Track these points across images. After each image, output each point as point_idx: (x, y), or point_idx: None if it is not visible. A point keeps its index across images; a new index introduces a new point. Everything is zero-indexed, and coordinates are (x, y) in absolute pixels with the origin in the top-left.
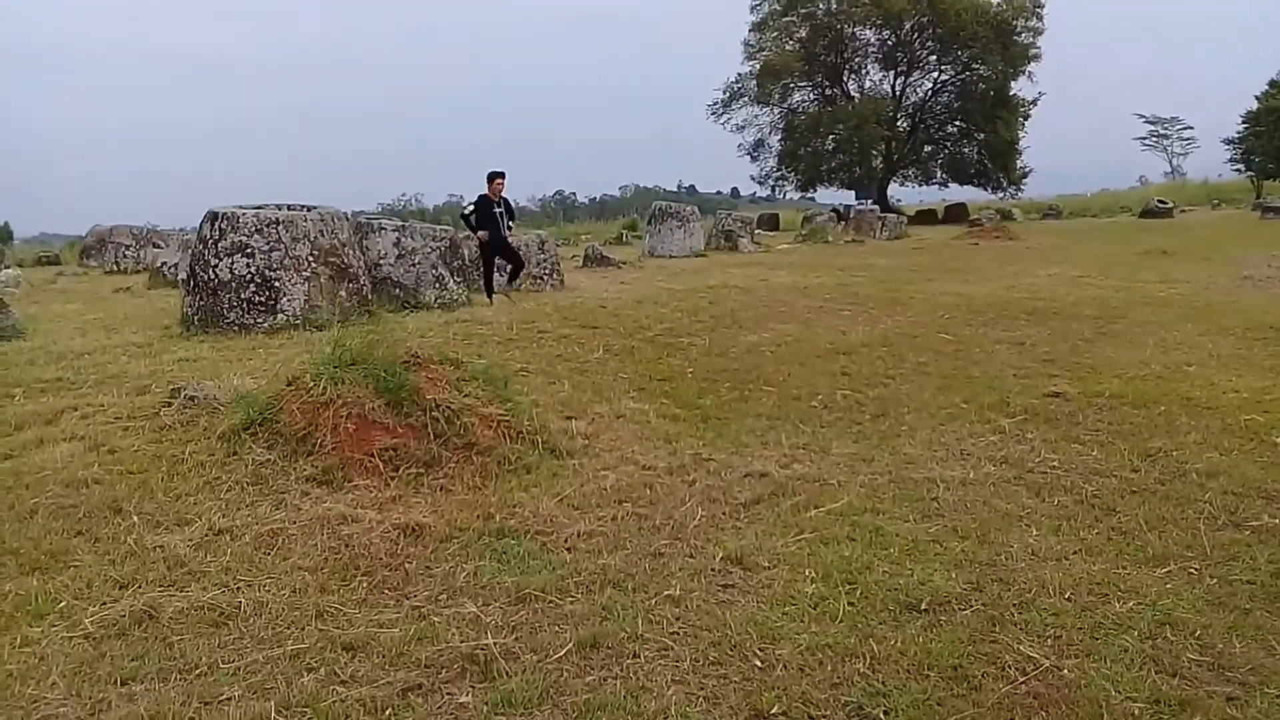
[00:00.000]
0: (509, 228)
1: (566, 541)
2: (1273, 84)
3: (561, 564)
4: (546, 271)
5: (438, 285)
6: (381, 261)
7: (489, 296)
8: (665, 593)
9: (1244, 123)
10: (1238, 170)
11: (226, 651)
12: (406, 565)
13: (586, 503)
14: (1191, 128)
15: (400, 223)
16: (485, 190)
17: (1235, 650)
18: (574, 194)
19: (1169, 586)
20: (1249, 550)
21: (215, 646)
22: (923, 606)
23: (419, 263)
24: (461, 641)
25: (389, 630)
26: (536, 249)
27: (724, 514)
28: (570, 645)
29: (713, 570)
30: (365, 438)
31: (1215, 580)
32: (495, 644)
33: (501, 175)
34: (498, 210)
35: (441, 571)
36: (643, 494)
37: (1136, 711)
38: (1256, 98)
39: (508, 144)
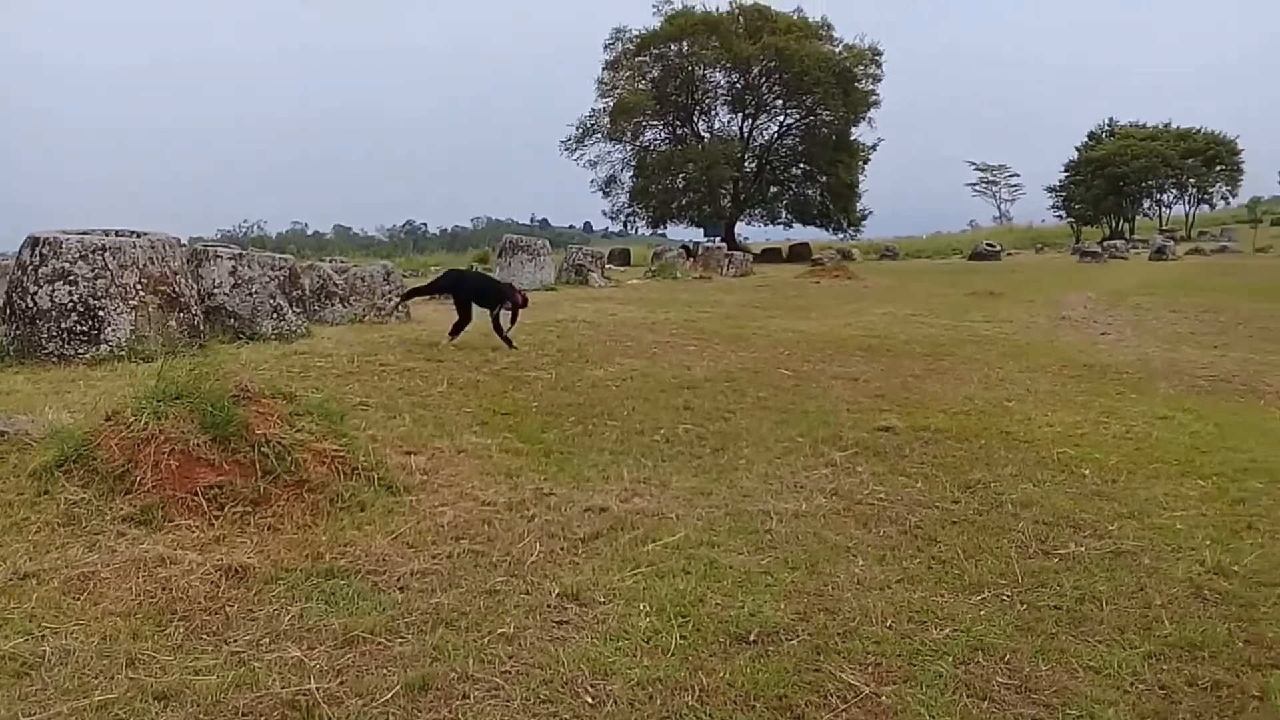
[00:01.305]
0: None
1: (399, 580)
2: (1091, 136)
3: (393, 604)
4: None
5: (275, 316)
6: (216, 290)
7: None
8: (499, 631)
9: (1065, 172)
10: (1059, 216)
11: (28, 704)
12: (228, 608)
13: (422, 540)
14: (1018, 175)
15: (238, 250)
16: None
17: (1041, 673)
18: (425, 224)
19: (983, 613)
20: (1057, 577)
21: (15, 699)
22: (752, 638)
23: (256, 292)
24: (283, 687)
25: (205, 677)
26: (382, 280)
27: (562, 549)
28: (398, 688)
29: (548, 607)
30: (189, 475)
31: (1025, 606)
32: (318, 689)
33: None
34: None
35: (265, 614)
36: (480, 530)
37: None
38: (1077, 149)
39: (356, 172)
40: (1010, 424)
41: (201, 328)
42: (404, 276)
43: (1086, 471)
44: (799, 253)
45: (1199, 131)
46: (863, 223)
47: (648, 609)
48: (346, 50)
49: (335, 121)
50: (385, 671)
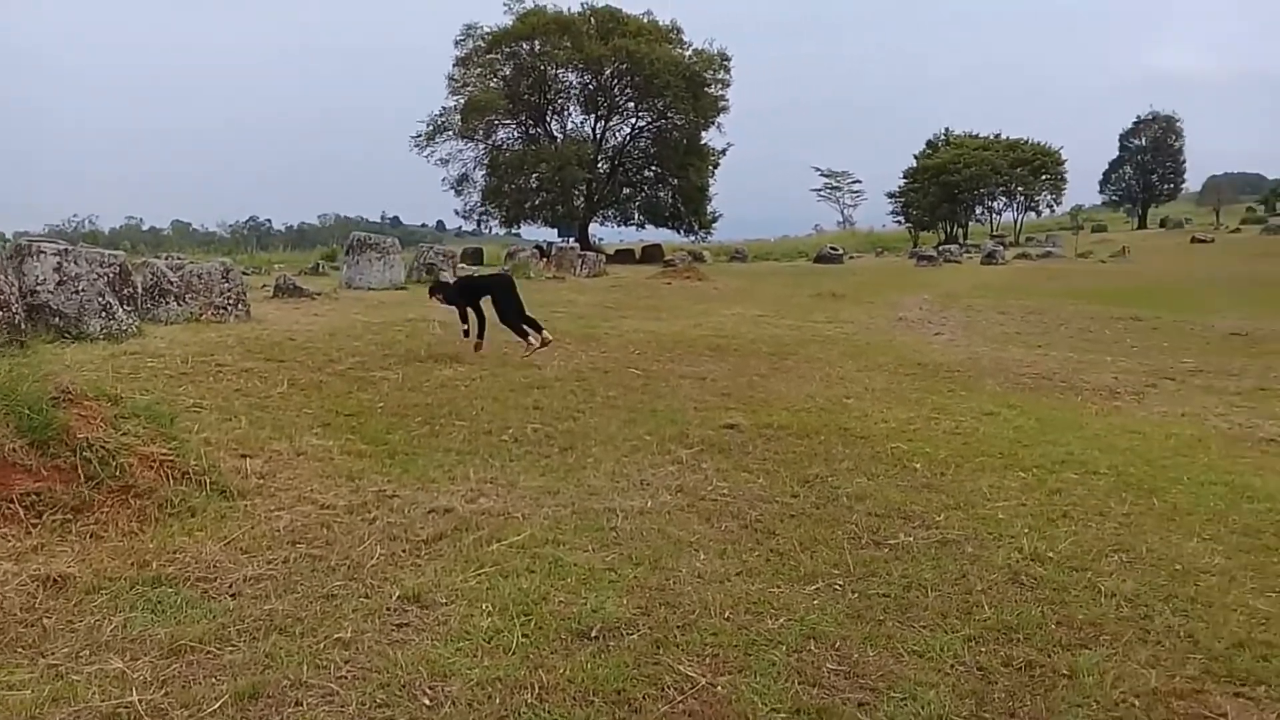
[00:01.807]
0: None
1: (231, 587)
2: (929, 144)
3: (224, 611)
4: (231, 302)
5: (104, 315)
6: (39, 288)
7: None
8: (336, 636)
9: (904, 179)
10: (898, 221)
11: None
12: (45, 620)
13: (256, 545)
14: (860, 181)
15: (65, 246)
16: None
17: (869, 659)
18: (269, 221)
19: (816, 603)
20: (886, 566)
21: None
22: (593, 634)
23: (83, 290)
24: (103, 700)
25: (19, 692)
26: (220, 278)
27: (404, 551)
28: (226, 697)
29: (388, 610)
30: (3, 482)
31: (856, 595)
32: (141, 700)
33: None
34: None
35: (85, 625)
36: (319, 534)
37: None
38: (915, 157)
39: (198, 166)
40: (848, 421)
41: (22, 327)
42: (244, 274)
43: (918, 465)
44: (652, 254)
45: (1027, 142)
46: (713, 225)
47: (490, 609)
48: (187, 44)
49: (175, 115)
50: (213, 681)
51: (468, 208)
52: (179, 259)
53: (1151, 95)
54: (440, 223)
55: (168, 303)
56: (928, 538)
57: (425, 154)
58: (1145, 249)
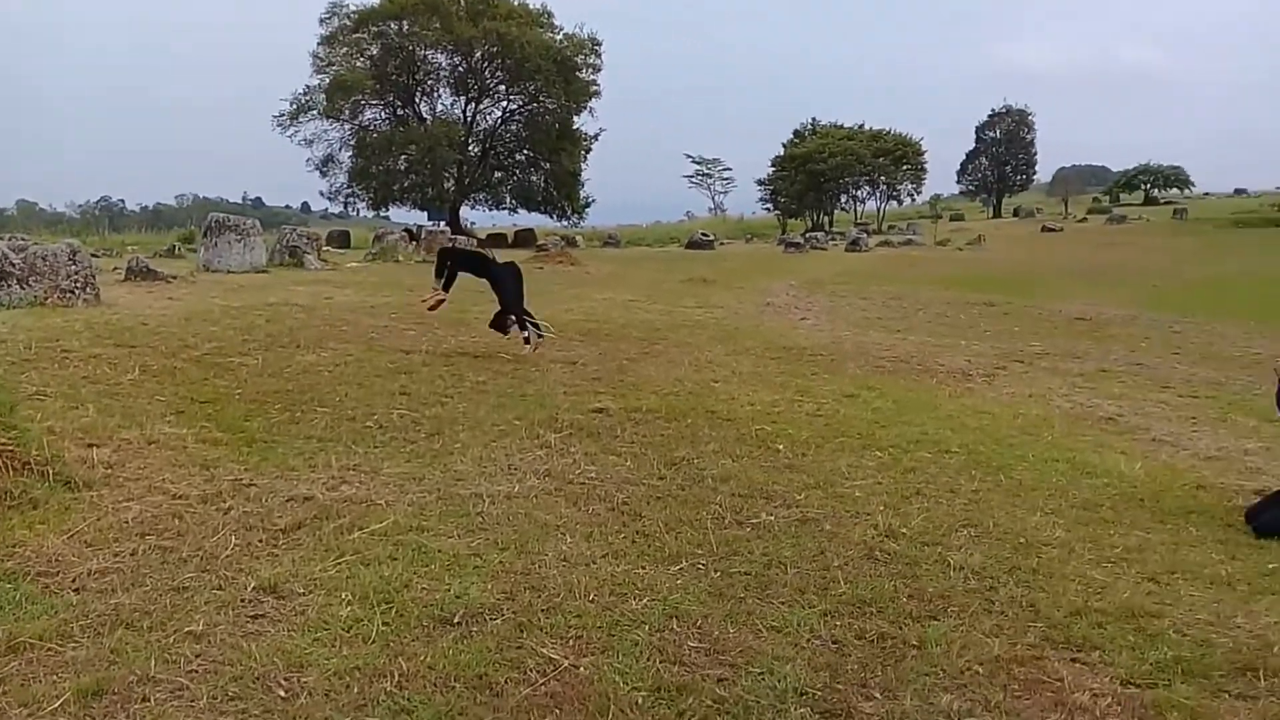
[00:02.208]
0: None
1: (75, 581)
2: (796, 134)
3: (66, 606)
4: (78, 285)
5: None
6: None
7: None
8: (186, 629)
9: (772, 167)
10: (767, 208)
11: None
12: None
13: (103, 538)
14: (731, 169)
15: None
16: None
17: (729, 635)
18: (122, 201)
19: (679, 582)
20: (748, 545)
21: None
22: (456, 619)
23: None
24: None
25: None
26: (66, 260)
27: (261, 541)
28: (68, 695)
29: (243, 601)
30: None
31: (719, 574)
32: None
33: None
34: None
35: None
36: (170, 525)
37: (640, 700)
38: (783, 145)
39: (45, 145)
40: (715, 403)
41: None
42: (94, 256)
43: (781, 446)
44: (525, 238)
45: (889, 133)
46: (586, 210)
47: (350, 598)
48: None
49: (14, 91)
50: (55, 678)
51: (333, 189)
52: (23, 240)
53: (1006, 90)
54: (305, 204)
55: (9, 286)
56: (788, 516)
57: (288, 134)
58: (999, 237)
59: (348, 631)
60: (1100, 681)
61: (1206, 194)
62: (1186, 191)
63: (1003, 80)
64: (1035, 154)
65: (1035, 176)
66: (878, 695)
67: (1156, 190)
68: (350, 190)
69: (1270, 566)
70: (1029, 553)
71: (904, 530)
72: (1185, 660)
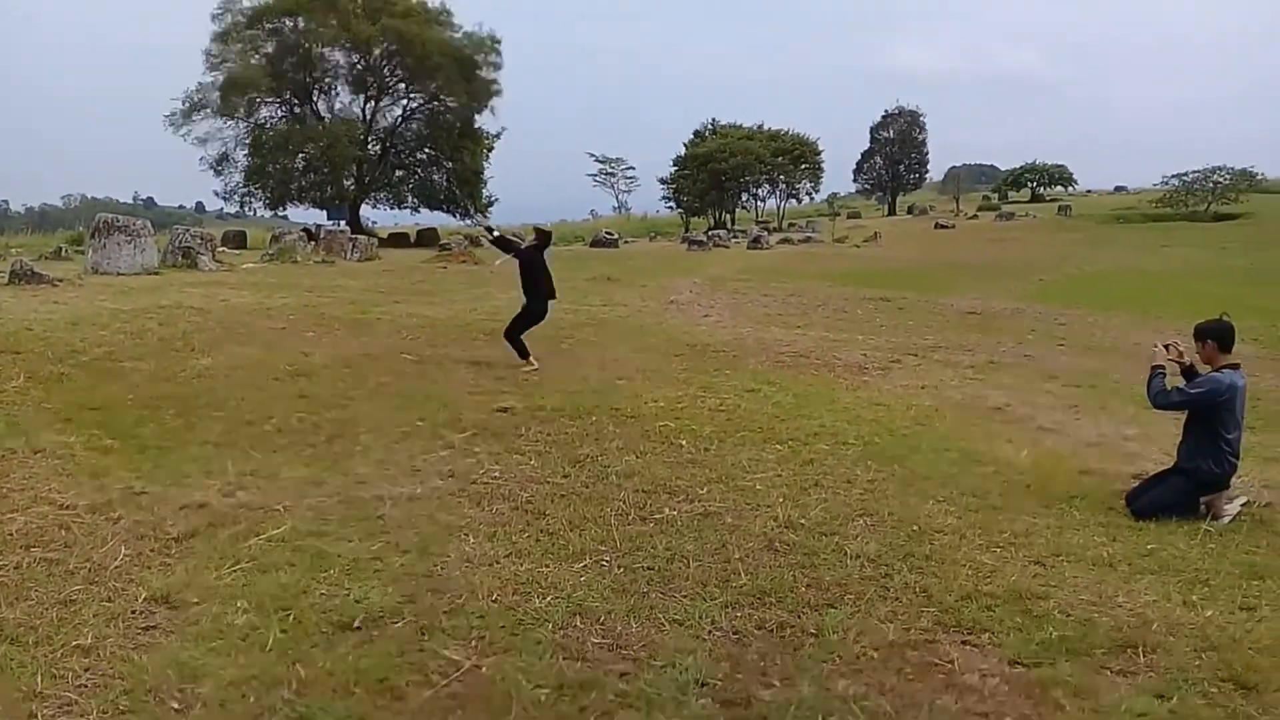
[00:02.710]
0: None
1: None
2: (697, 134)
3: None
4: None
5: None
6: None
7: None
8: (75, 643)
9: (675, 166)
10: (670, 207)
11: None
12: None
13: None
14: (634, 168)
15: None
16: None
17: (632, 630)
18: (6, 203)
19: (583, 579)
20: (651, 540)
21: None
22: (356, 625)
23: None
24: None
25: None
26: None
27: (152, 551)
28: None
29: (134, 613)
30: None
31: (622, 569)
32: None
33: None
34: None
35: None
36: (57, 536)
37: (543, 698)
38: (684, 145)
39: None
40: (620, 401)
41: None
42: None
43: (684, 442)
44: (428, 238)
45: (787, 133)
46: (489, 209)
47: (246, 606)
48: None
49: None
50: None
51: (229, 189)
52: None
53: (898, 91)
54: (200, 204)
55: None
56: (691, 511)
57: (181, 133)
58: (895, 234)
59: (244, 640)
60: (989, 662)
61: (1089, 191)
62: (1070, 189)
63: (895, 82)
64: (927, 153)
65: (928, 175)
66: (777, 684)
67: (1042, 188)
68: (246, 190)
69: (1149, 547)
70: (922, 540)
71: (803, 521)
72: (1069, 639)
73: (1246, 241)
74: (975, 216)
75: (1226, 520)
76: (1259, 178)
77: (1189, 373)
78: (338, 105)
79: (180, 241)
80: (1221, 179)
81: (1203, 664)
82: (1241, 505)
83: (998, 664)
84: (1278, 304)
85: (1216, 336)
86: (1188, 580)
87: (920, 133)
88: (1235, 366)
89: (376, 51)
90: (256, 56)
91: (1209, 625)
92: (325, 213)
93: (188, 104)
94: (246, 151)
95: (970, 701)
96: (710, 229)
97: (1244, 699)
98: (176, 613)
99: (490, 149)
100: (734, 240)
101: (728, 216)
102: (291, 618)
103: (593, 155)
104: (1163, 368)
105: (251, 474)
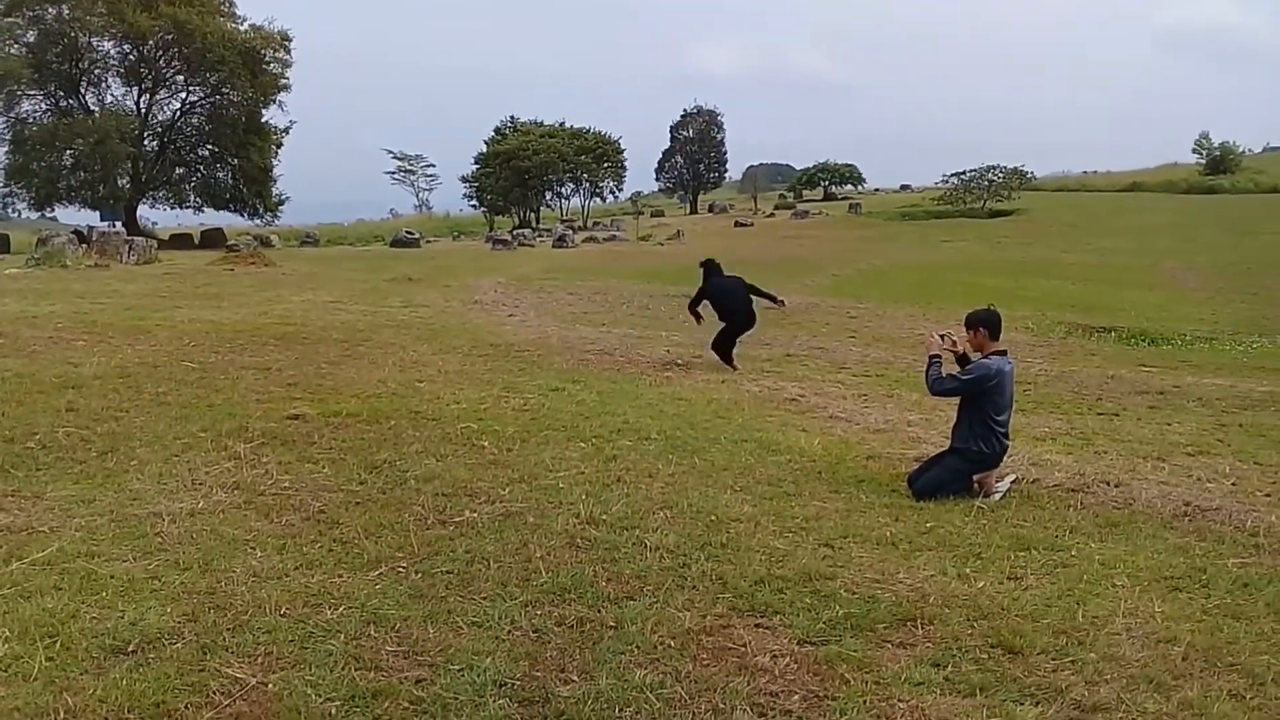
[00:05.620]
0: None
1: None
2: (497, 131)
3: None
4: None
5: None
6: None
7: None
8: None
9: (476, 164)
10: (474, 206)
11: None
12: None
13: None
14: (435, 166)
15: None
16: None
17: (429, 636)
18: None
19: (378, 587)
20: (451, 544)
21: None
22: (130, 648)
23: None
24: None
25: None
26: None
27: None
28: None
29: None
30: None
31: (419, 575)
32: None
33: None
34: None
35: None
36: None
37: (333, 710)
38: (485, 142)
39: None
40: (420, 404)
41: None
42: None
43: (486, 443)
44: (213, 239)
45: (589, 132)
46: (280, 208)
47: (8, 634)
48: None
49: None
50: None
51: None
52: None
53: (696, 92)
54: None
55: None
56: (492, 512)
57: None
58: (697, 232)
59: (6, 670)
60: (780, 643)
61: (877, 190)
62: (860, 187)
63: (694, 83)
64: (726, 152)
65: (727, 174)
66: (575, 678)
67: (834, 186)
68: (8, 189)
69: (928, 525)
70: (719, 529)
71: (604, 517)
72: (854, 616)
73: (1020, 236)
74: (773, 214)
75: (998, 497)
76: (1029, 177)
77: (963, 360)
78: (109, 98)
79: None
80: (995, 177)
81: (975, 632)
82: (1011, 483)
83: (788, 644)
84: (1047, 294)
85: (987, 324)
86: (962, 554)
87: (719, 132)
88: (1003, 352)
89: (151, 42)
90: (16, 46)
91: (980, 595)
92: (98, 213)
93: None
94: (8, 148)
95: (762, 682)
96: (515, 228)
97: (1011, 662)
98: None
99: (279, 145)
100: (539, 239)
101: (532, 215)
102: (59, 644)
103: (390, 152)
104: (939, 356)
105: (13, 494)
